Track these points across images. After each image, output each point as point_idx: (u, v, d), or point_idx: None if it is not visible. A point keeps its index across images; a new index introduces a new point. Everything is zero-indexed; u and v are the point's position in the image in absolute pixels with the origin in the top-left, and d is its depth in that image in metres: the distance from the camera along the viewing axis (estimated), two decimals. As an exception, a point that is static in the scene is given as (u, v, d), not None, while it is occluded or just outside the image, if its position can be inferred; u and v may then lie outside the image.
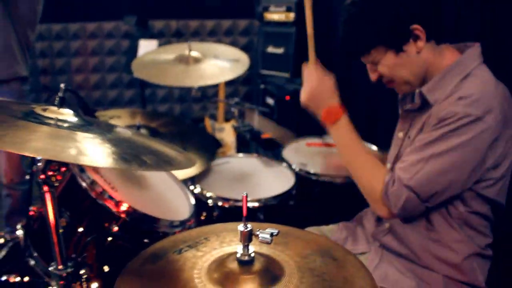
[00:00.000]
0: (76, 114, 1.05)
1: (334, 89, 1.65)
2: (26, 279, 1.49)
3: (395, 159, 1.55)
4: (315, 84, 1.66)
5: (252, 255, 0.96)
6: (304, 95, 1.68)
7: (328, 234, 1.78)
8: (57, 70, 5.03)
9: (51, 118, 0.97)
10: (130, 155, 0.90)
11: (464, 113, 1.30)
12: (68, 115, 1.03)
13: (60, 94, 1.04)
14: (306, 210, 1.93)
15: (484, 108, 1.30)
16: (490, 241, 1.50)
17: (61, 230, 1.13)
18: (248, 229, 0.94)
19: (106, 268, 1.39)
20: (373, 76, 1.50)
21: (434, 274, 1.47)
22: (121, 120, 2.29)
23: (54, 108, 1.03)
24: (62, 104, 1.04)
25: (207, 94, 5.07)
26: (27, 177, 2.25)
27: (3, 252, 1.73)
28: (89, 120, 1.10)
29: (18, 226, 1.65)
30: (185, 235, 1.16)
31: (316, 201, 2.24)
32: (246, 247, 0.96)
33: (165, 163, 1.00)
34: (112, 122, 2.27)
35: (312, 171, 2.23)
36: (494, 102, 1.32)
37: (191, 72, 2.43)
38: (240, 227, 0.95)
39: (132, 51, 4.63)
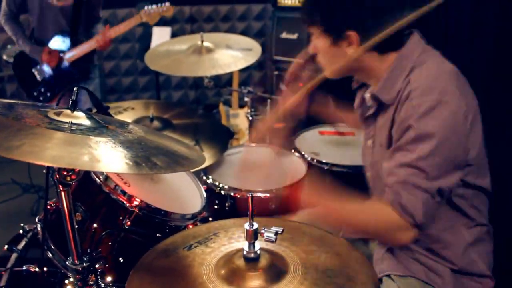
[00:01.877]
0: (89, 116, 1.08)
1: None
2: (45, 269, 1.54)
3: (371, 167, 1.58)
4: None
5: (258, 252, 1.00)
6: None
7: None
8: (73, 58, 5.07)
9: (65, 122, 1.00)
10: (142, 158, 0.93)
11: (423, 104, 1.30)
12: (81, 118, 1.06)
13: (73, 97, 1.06)
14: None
15: (438, 90, 1.31)
16: (485, 229, 1.51)
17: (76, 226, 1.17)
18: (254, 227, 0.97)
19: (120, 262, 1.43)
20: (310, 48, 1.56)
21: (440, 266, 1.49)
22: (135, 111, 2.33)
23: (68, 111, 1.06)
24: (75, 107, 1.07)
25: (221, 80, 5.10)
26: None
27: (23, 243, 1.79)
28: (102, 120, 1.13)
29: (36, 220, 1.71)
30: (195, 230, 1.20)
31: (328, 191, 2.25)
32: (252, 244, 0.99)
33: (176, 164, 1.03)
34: (127, 114, 2.31)
35: (324, 160, 2.25)
36: (444, 82, 1.34)
37: (204, 62, 2.45)
38: (246, 225, 0.98)
39: (145, 38, 4.66)
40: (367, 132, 1.60)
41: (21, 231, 1.80)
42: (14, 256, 1.68)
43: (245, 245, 1.00)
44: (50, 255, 1.48)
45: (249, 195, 0.96)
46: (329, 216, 1.51)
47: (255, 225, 0.98)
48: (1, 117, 0.93)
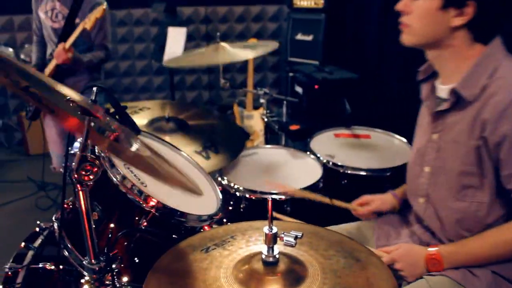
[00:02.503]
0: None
1: (411, 246, 1.57)
2: (60, 267, 1.55)
3: (437, 162, 1.52)
4: (399, 256, 1.53)
5: (277, 256, 0.99)
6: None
7: (362, 229, 1.79)
8: (88, 57, 5.10)
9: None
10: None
11: None
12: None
13: (92, 97, 1.07)
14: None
15: None
16: None
17: (93, 226, 1.17)
18: (273, 231, 0.96)
19: (136, 262, 1.43)
20: (402, 4, 1.45)
21: (482, 268, 1.44)
22: (151, 111, 2.33)
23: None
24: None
25: (236, 81, 5.11)
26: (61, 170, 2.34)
27: (39, 240, 1.80)
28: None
29: (53, 218, 1.72)
30: (212, 233, 1.19)
31: (344, 194, 2.24)
32: (271, 248, 0.98)
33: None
34: (143, 113, 2.31)
35: (339, 163, 2.24)
36: None
37: (219, 53, 2.46)
38: (266, 229, 0.97)
39: (161, 38, 4.67)
40: (434, 125, 1.54)
41: (37, 229, 1.81)
42: (30, 253, 1.69)
43: (263, 248, 0.99)
44: (66, 253, 1.49)
45: (269, 198, 0.95)
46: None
47: (275, 229, 0.97)
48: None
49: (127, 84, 5.27)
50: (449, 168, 1.47)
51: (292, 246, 0.97)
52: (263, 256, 0.98)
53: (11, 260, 1.64)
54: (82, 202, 1.12)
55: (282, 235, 0.98)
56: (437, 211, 1.54)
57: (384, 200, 1.81)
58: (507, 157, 1.34)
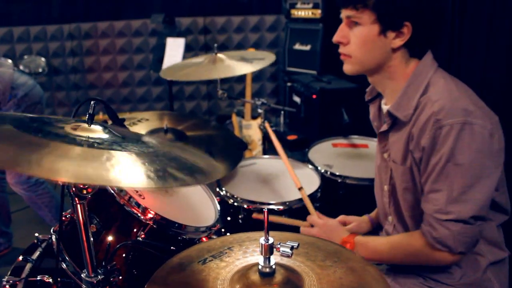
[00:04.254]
0: (107, 130, 1.09)
1: (338, 226, 1.75)
2: (58, 279, 1.55)
3: (390, 181, 1.57)
4: (321, 231, 1.72)
5: (273, 267, 0.99)
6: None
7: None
8: (87, 68, 5.15)
9: (83, 137, 1.01)
10: (161, 172, 0.93)
11: (450, 125, 1.29)
12: (99, 132, 1.07)
13: (90, 111, 1.07)
14: (331, 213, 1.95)
15: (462, 111, 1.30)
16: (505, 254, 1.52)
17: (91, 239, 1.17)
18: (270, 242, 0.97)
19: (134, 275, 1.43)
20: (339, 35, 1.46)
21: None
22: (149, 123, 2.34)
23: (85, 125, 1.07)
24: (92, 120, 1.08)
25: (234, 91, 5.13)
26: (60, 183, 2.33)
27: (37, 253, 1.80)
28: (119, 133, 1.14)
29: (51, 231, 1.73)
30: (210, 244, 1.20)
31: (342, 204, 2.25)
32: (267, 259, 0.98)
33: (198, 175, 1.03)
34: (141, 125, 2.32)
35: (337, 173, 2.24)
36: (465, 102, 1.33)
37: (217, 67, 2.47)
38: (262, 240, 0.98)
39: (159, 49, 4.70)
40: (382, 146, 1.59)
41: (35, 241, 1.81)
42: (28, 266, 1.69)
43: (260, 259, 0.99)
44: (64, 266, 1.49)
45: (265, 209, 0.96)
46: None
47: (271, 240, 0.97)
48: (20, 133, 0.94)
49: (125, 94, 5.29)
50: (397, 186, 1.53)
51: (288, 256, 0.97)
52: (260, 267, 0.99)
53: (9, 273, 1.65)
54: (80, 216, 1.12)
55: (278, 246, 0.98)
56: (401, 229, 1.60)
57: (360, 223, 1.84)
58: (425, 175, 1.39)
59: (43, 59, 5.00)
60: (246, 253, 1.13)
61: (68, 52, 5.07)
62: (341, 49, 1.48)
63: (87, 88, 5.23)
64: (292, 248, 0.98)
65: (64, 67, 5.12)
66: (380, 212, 1.71)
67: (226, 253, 1.13)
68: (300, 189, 1.90)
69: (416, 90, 1.41)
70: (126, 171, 0.88)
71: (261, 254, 0.98)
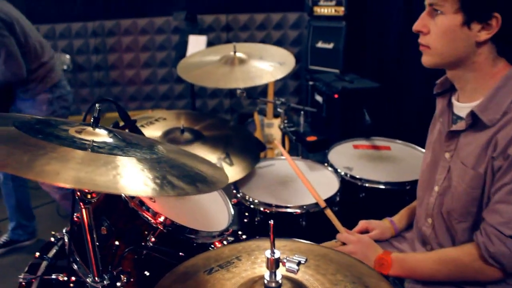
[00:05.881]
0: (112, 134, 1.06)
1: (373, 242, 1.63)
2: (73, 279, 1.54)
3: (443, 182, 1.47)
4: (356, 248, 1.61)
5: (280, 281, 0.94)
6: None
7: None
8: (110, 65, 5.17)
9: (87, 140, 0.98)
10: (161, 179, 0.89)
11: None
12: (103, 135, 1.04)
13: (95, 114, 1.04)
14: (351, 217, 1.89)
15: None
16: None
17: (97, 244, 1.15)
18: (276, 256, 0.92)
19: (142, 280, 1.40)
20: (419, 24, 1.37)
21: None
22: (166, 122, 2.32)
23: (90, 129, 1.04)
24: (97, 124, 1.05)
25: (256, 89, 5.08)
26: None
27: (53, 251, 1.80)
28: (124, 137, 1.11)
29: (64, 231, 1.72)
30: (218, 253, 1.15)
31: (361, 208, 2.19)
32: (273, 273, 0.93)
33: (200, 184, 0.98)
34: (158, 124, 2.30)
35: (357, 175, 2.18)
36: None
37: (236, 73, 2.42)
38: (268, 253, 0.93)
39: (181, 46, 4.69)
40: (446, 144, 1.47)
41: (52, 239, 1.82)
42: (44, 264, 1.69)
43: (266, 273, 0.95)
44: (75, 267, 1.48)
45: (271, 222, 0.91)
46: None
47: (277, 253, 0.92)
48: (21, 134, 0.92)
49: (148, 91, 5.29)
50: (454, 190, 1.42)
51: (294, 272, 0.92)
52: (265, 281, 0.94)
53: (25, 270, 1.66)
54: (85, 220, 1.10)
55: (285, 260, 0.93)
56: (443, 233, 1.49)
57: (383, 230, 1.76)
58: (500, 183, 1.29)
59: (68, 56, 5.04)
60: (255, 263, 1.08)
61: (92, 49, 5.11)
62: (420, 39, 1.38)
63: (110, 85, 5.26)
64: (299, 263, 0.92)
65: (88, 64, 5.16)
66: (420, 212, 1.62)
67: (233, 263, 1.08)
68: (325, 208, 1.81)
69: (508, 94, 1.29)
70: (123, 177, 0.84)
71: (267, 268, 0.93)
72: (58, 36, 5.04)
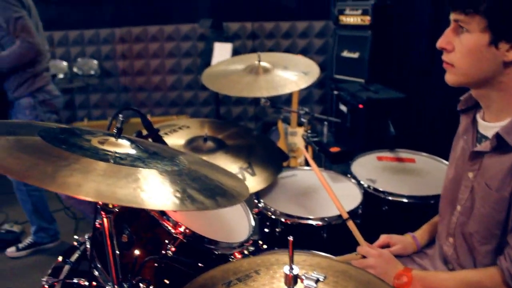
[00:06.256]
0: (134, 145, 1.06)
1: (393, 257, 1.59)
2: (94, 283, 1.56)
3: (466, 202, 1.43)
4: (376, 263, 1.58)
5: (298, 298, 0.93)
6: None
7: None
8: (136, 71, 5.24)
9: (109, 152, 0.99)
10: (181, 193, 0.89)
11: None
12: (126, 146, 1.05)
13: (118, 125, 1.05)
14: (373, 230, 1.86)
15: None
16: None
17: (117, 253, 1.16)
18: (294, 273, 0.91)
19: (165, 286, 1.41)
20: (443, 41, 1.32)
21: None
22: (189, 130, 2.33)
23: (112, 139, 1.05)
24: (120, 134, 1.06)
25: (281, 97, 5.08)
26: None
27: (76, 255, 1.83)
28: (146, 148, 1.11)
29: (86, 237, 1.74)
30: (236, 265, 1.15)
31: (384, 221, 2.15)
32: (292, 290, 0.92)
33: (220, 198, 0.98)
34: (182, 132, 2.31)
35: (381, 188, 2.15)
36: None
37: (260, 82, 2.41)
38: (286, 269, 0.92)
39: (207, 53, 4.73)
40: (470, 164, 1.42)
41: (75, 243, 1.85)
42: (66, 267, 1.73)
43: (285, 289, 0.94)
44: (96, 273, 1.49)
45: (290, 238, 0.90)
46: None
47: (296, 270, 0.91)
48: (45, 144, 0.93)
49: (173, 98, 5.35)
50: (477, 211, 1.37)
51: (312, 291, 0.91)
52: (284, 298, 0.93)
53: (48, 273, 1.70)
54: (106, 229, 1.11)
55: (303, 277, 0.92)
56: (465, 254, 1.45)
57: (405, 245, 1.72)
58: None
59: (95, 61, 5.15)
60: (273, 278, 1.06)
61: (119, 55, 5.19)
62: (444, 56, 1.34)
63: (136, 91, 5.33)
64: (317, 281, 0.91)
65: (114, 69, 5.24)
66: (441, 229, 1.58)
67: (252, 276, 1.07)
68: (347, 219, 1.79)
69: None
70: (143, 190, 0.84)
71: (285, 284, 0.92)
72: (86, 42, 5.14)
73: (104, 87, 5.29)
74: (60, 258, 1.77)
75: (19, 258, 3.25)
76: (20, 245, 3.30)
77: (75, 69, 5.14)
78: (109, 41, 5.14)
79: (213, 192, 0.97)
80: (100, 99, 5.32)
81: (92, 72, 5.15)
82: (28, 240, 3.32)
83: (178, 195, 0.87)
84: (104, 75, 5.25)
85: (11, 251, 3.27)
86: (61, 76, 5.03)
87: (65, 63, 5.09)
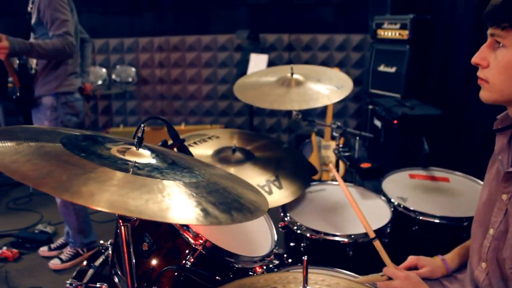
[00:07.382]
0: (155, 154, 1.06)
1: (421, 281, 1.52)
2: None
3: (501, 226, 1.35)
4: (402, 285, 1.51)
5: (312, 320, 0.90)
6: None
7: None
8: (173, 80, 5.31)
9: (129, 161, 0.98)
10: (196, 206, 0.88)
11: None
12: (147, 156, 1.04)
13: (139, 134, 1.05)
14: (401, 251, 1.80)
15: None
16: None
17: (133, 261, 1.15)
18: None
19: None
20: (478, 56, 1.27)
21: None
22: (219, 140, 2.33)
23: (134, 149, 1.04)
24: (141, 144, 1.05)
25: (315, 110, 5.04)
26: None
27: (100, 260, 1.85)
28: (167, 158, 1.11)
29: (108, 243, 1.76)
30: (253, 281, 1.12)
31: (413, 242, 2.08)
32: (306, 310, 0.89)
33: (236, 213, 0.95)
34: (211, 142, 2.31)
35: (411, 207, 2.08)
36: None
37: (291, 95, 2.39)
38: (301, 290, 0.89)
39: (243, 64, 4.75)
40: (504, 185, 1.36)
41: (100, 248, 1.87)
42: (90, 272, 1.76)
43: (298, 309, 0.91)
44: (116, 280, 1.50)
45: (304, 258, 0.87)
46: None
47: (310, 292, 0.88)
48: (65, 151, 0.93)
49: (208, 107, 5.38)
50: (511, 236, 1.30)
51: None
52: (297, 319, 0.90)
53: (73, 275, 1.74)
54: (123, 238, 1.10)
55: (317, 300, 0.89)
56: (498, 282, 1.37)
57: (434, 269, 1.63)
58: None
59: (133, 69, 5.24)
60: (289, 296, 1.04)
61: (157, 64, 5.27)
62: (479, 73, 1.29)
63: (171, 99, 5.39)
64: (331, 304, 0.88)
65: (152, 77, 5.32)
66: (473, 254, 1.50)
67: (268, 294, 1.05)
68: (373, 239, 1.73)
69: None
70: (155, 202, 0.83)
71: (298, 304, 0.89)
72: (126, 49, 5.25)
73: (141, 95, 5.39)
74: (85, 262, 1.81)
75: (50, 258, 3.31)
76: (52, 245, 3.36)
77: (113, 76, 5.25)
78: (147, 49, 5.24)
79: (230, 207, 0.95)
80: (136, 106, 5.41)
81: (130, 80, 5.24)
82: (60, 241, 3.38)
83: (192, 208, 0.85)
84: (141, 82, 5.34)
85: (43, 250, 3.35)
86: (99, 82, 5.15)
87: (104, 70, 5.22)
